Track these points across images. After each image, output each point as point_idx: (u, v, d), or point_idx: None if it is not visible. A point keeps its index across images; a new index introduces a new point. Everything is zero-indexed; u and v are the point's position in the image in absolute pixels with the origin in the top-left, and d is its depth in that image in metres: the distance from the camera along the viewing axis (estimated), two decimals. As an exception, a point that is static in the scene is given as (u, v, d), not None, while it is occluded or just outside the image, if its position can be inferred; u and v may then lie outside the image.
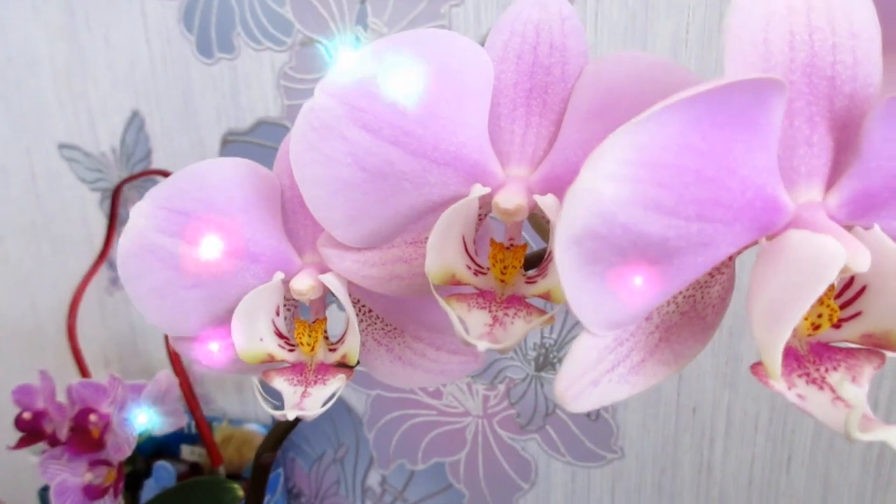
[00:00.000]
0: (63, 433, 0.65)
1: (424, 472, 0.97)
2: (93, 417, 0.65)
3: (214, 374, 1.00)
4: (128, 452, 0.64)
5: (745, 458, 0.84)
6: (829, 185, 0.23)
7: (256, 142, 0.89)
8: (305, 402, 0.33)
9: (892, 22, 0.23)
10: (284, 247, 0.35)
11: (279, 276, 0.34)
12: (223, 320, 0.36)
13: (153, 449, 0.94)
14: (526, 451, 0.91)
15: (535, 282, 0.30)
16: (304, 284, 0.33)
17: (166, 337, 0.77)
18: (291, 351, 0.35)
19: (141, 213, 0.34)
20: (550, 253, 0.30)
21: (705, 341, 0.26)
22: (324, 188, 0.31)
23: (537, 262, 0.32)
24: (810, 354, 0.23)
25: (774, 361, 0.21)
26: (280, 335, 0.35)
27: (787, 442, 0.82)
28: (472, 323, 0.28)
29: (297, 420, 0.45)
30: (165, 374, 0.69)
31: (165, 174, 0.88)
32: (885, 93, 0.21)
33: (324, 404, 0.33)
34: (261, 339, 0.34)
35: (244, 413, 1.02)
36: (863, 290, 0.22)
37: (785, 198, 0.22)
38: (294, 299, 0.36)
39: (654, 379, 0.25)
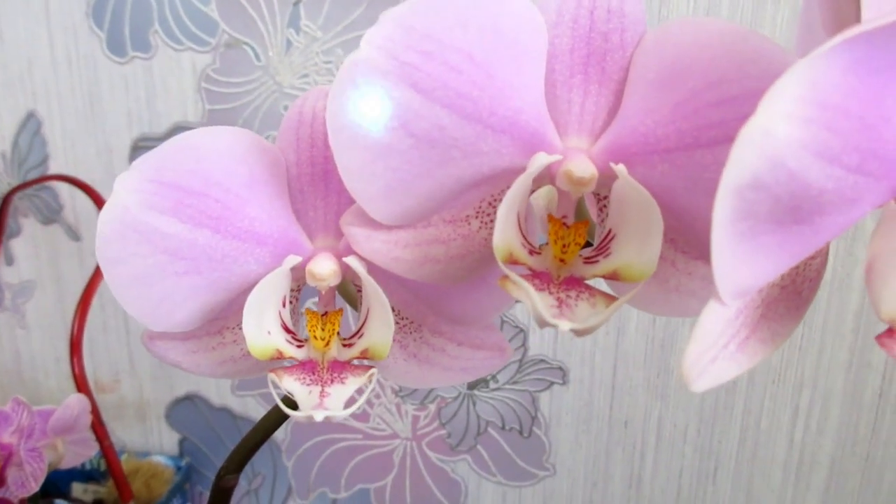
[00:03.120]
0: (-46, 468, 0.55)
1: (348, 501, 0.91)
2: (-9, 448, 0.55)
3: (114, 402, 0.90)
4: (34, 488, 0.55)
5: (674, 470, 0.84)
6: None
7: (173, 148, 0.82)
8: (326, 401, 0.28)
9: None
10: (294, 229, 0.30)
11: (293, 259, 0.29)
12: (216, 314, 0.31)
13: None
14: (456, 472, 0.88)
15: (595, 261, 0.27)
16: (326, 268, 0.29)
17: (73, 359, 0.68)
18: (300, 347, 0.30)
19: (126, 187, 0.28)
20: (611, 230, 0.27)
21: (799, 318, 0.24)
22: (362, 154, 0.27)
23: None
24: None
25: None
26: (287, 329, 0.30)
27: (714, 452, 0.83)
28: (538, 304, 0.25)
29: (263, 439, 0.40)
30: (77, 399, 0.61)
31: (67, 180, 0.79)
32: None
33: (346, 405, 0.28)
34: (269, 333, 0.29)
35: (147, 445, 0.93)
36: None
37: (920, 155, 0.21)
38: (298, 290, 0.32)
39: (755, 357, 0.23)
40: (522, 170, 0.27)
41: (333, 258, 0.30)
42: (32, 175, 0.85)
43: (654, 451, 0.84)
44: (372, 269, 0.29)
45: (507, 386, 0.84)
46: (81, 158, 0.84)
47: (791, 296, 0.24)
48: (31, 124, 0.84)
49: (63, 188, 0.85)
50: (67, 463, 0.63)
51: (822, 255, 0.24)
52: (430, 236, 0.29)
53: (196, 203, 0.29)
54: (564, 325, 0.24)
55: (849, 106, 0.18)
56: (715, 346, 0.22)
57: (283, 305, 0.30)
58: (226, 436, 0.91)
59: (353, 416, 0.88)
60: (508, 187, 0.28)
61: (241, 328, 0.29)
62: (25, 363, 0.93)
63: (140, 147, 0.82)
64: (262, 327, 0.29)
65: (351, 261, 0.29)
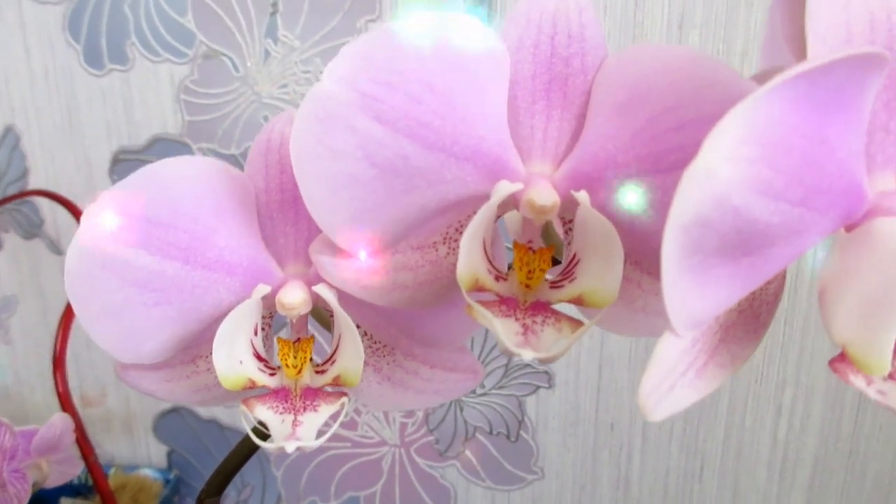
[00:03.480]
0: (-64, 491, 0.55)
1: (337, 508, 0.91)
2: (-26, 471, 0.55)
3: (100, 415, 0.90)
4: (18, 509, 0.55)
5: (661, 470, 0.85)
6: (901, 172, 0.22)
7: (153, 160, 0.81)
8: (299, 431, 0.28)
9: None
10: (264, 257, 0.31)
11: (263, 289, 0.29)
12: (188, 344, 0.31)
13: (27, 504, 0.83)
14: (445, 478, 0.88)
15: (561, 286, 0.27)
16: (295, 298, 0.29)
17: (57, 375, 0.68)
18: (272, 375, 0.30)
19: (94, 220, 0.29)
20: (576, 255, 0.27)
21: (758, 341, 0.25)
22: (327, 185, 0.27)
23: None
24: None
25: (882, 356, 0.19)
26: (259, 357, 0.30)
27: (700, 452, 0.84)
28: (502, 331, 0.26)
29: (246, 458, 0.40)
30: (61, 417, 0.61)
31: (47, 195, 0.79)
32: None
33: (319, 434, 0.29)
34: (240, 363, 0.29)
35: (135, 458, 0.93)
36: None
37: (866, 185, 0.21)
38: (270, 316, 0.32)
39: (714, 382, 0.24)
40: (487, 196, 0.27)
41: (303, 287, 0.30)
42: (12, 189, 0.85)
43: (640, 452, 0.85)
44: (343, 294, 0.30)
45: (494, 391, 0.84)
46: (61, 172, 0.84)
47: (749, 319, 0.24)
48: (9, 138, 0.84)
49: (44, 202, 0.85)
50: (53, 482, 0.63)
51: (778, 279, 0.24)
52: (398, 264, 0.29)
53: (164, 234, 0.29)
54: (528, 355, 0.24)
55: (791, 143, 0.19)
56: (672, 375, 0.22)
57: (255, 333, 0.30)
58: (214, 447, 0.91)
59: (342, 424, 0.88)
60: (474, 212, 0.28)
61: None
62: (10, 378, 0.92)
63: (120, 160, 0.82)
64: (234, 357, 0.29)
65: (320, 289, 0.29)
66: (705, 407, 0.82)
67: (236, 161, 0.81)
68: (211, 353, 0.32)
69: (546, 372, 0.82)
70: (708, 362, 0.23)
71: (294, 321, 0.31)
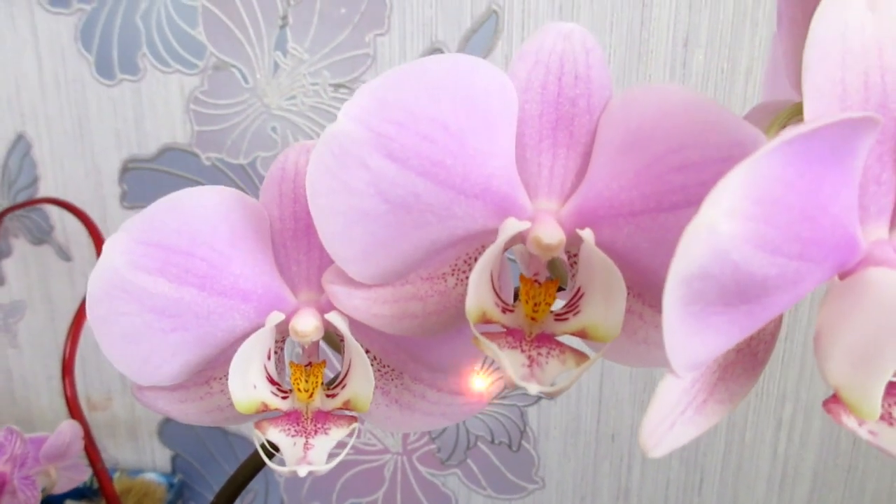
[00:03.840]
0: (-52, 498, 0.56)
1: (339, 515, 0.92)
2: (-15, 478, 0.56)
3: (106, 419, 0.91)
4: (29, 515, 0.56)
5: (661, 482, 0.86)
6: (893, 223, 0.23)
7: (162, 169, 0.83)
8: (310, 454, 0.29)
9: None
10: (277, 284, 0.32)
11: (277, 316, 0.31)
12: (203, 367, 0.32)
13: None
14: (446, 486, 0.89)
15: (566, 319, 0.28)
16: (308, 325, 0.30)
17: (66, 380, 0.69)
18: (285, 398, 0.31)
19: (115, 249, 0.30)
20: (580, 289, 0.28)
21: (756, 378, 0.26)
22: (341, 220, 0.28)
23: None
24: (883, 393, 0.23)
25: (874, 401, 0.20)
26: (272, 381, 0.31)
27: (699, 465, 0.85)
28: (509, 363, 0.27)
29: (256, 471, 0.41)
30: (69, 425, 0.62)
31: (57, 203, 0.80)
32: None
33: (329, 458, 0.30)
34: (254, 387, 0.30)
35: (140, 462, 0.94)
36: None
37: (860, 236, 0.22)
38: (283, 340, 0.33)
39: (713, 418, 0.25)
40: (495, 231, 0.28)
41: (315, 314, 0.31)
42: (23, 196, 0.86)
43: (640, 463, 0.85)
44: (353, 321, 0.31)
45: (496, 400, 0.85)
46: (71, 179, 0.85)
47: (747, 358, 0.25)
48: (20, 146, 0.85)
49: (53, 209, 0.86)
50: (60, 488, 0.64)
51: (775, 321, 0.25)
52: (407, 293, 0.30)
53: (182, 262, 0.30)
54: (533, 389, 0.26)
55: (788, 200, 0.20)
56: (672, 414, 0.23)
57: (269, 358, 0.31)
58: (217, 452, 0.93)
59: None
60: (483, 245, 0.29)
61: (227, 379, 0.30)
62: (17, 382, 0.94)
63: (129, 168, 0.84)
64: (248, 382, 0.30)
65: (332, 317, 0.30)
66: (705, 420, 0.82)
67: (244, 170, 0.82)
68: (224, 376, 0.33)
69: (548, 383, 0.83)
70: (707, 400, 0.24)
71: (306, 347, 0.32)
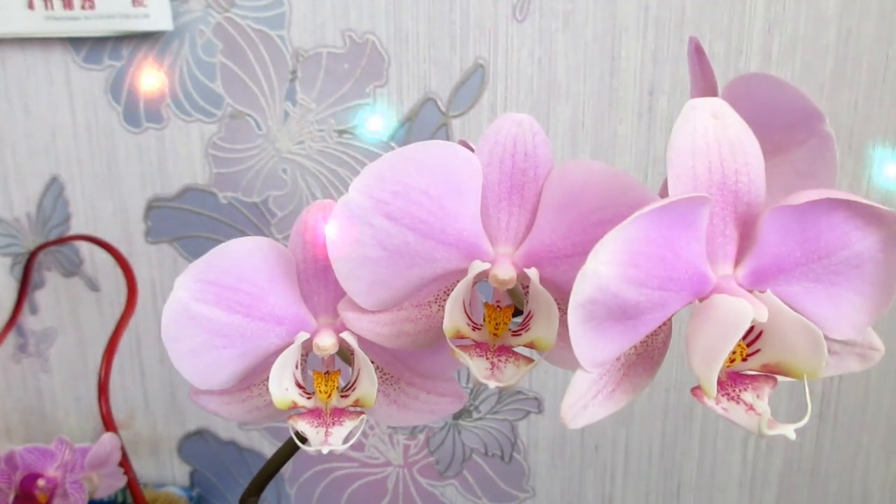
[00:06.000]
0: (9, 500, 0.67)
1: (346, 524, 1.03)
2: (41, 482, 0.67)
3: (128, 437, 1.02)
4: (79, 515, 0.67)
5: (642, 490, 0.96)
6: (737, 263, 0.34)
7: (183, 207, 0.95)
8: (330, 439, 0.40)
9: (764, 135, 0.34)
10: (303, 311, 0.43)
11: (304, 335, 0.42)
12: (247, 375, 0.44)
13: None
14: (445, 496, 1.00)
15: (519, 334, 0.39)
16: (327, 342, 0.41)
17: (101, 399, 0.81)
18: (309, 398, 0.42)
19: (182, 286, 0.41)
20: (531, 312, 0.39)
21: (653, 375, 0.37)
22: (352, 262, 0.39)
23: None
24: (728, 380, 0.34)
25: (712, 385, 0.31)
26: (299, 385, 0.42)
27: (677, 473, 0.95)
28: (475, 368, 0.38)
29: (282, 462, 0.52)
30: (109, 437, 0.73)
31: (88, 239, 0.92)
32: (768, 202, 0.33)
33: (345, 441, 0.41)
34: (286, 389, 0.41)
35: (160, 477, 1.04)
36: (760, 334, 0.34)
37: (710, 272, 0.33)
38: (306, 355, 0.44)
39: (620, 403, 0.36)
40: (465, 270, 0.40)
41: (333, 334, 0.42)
42: (56, 233, 0.98)
43: (622, 472, 0.96)
44: (361, 339, 0.42)
45: (489, 416, 0.96)
46: (100, 217, 0.97)
47: (645, 360, 0.36)
48: (54, 188, 0.96)
49: (83, 244, 0.98)
50: (101, 494, 0.75)
51: (664, 331, 0.36)
52: (402, 317, 0.41)
53: (231, 295, 0.42)
54: (492, 384, 0.37)
55: (647, 251, 0.31)
56: (585, 398, 0.34)
57: (296, 368, 0.42)
58: (233, 467, 1.03)
59: (351, 447, 1.00)
60: (457, 281, 0.41)
61: (264, 385, 0.42)
62: (48, 403, 1.05)
63: (153, 207, 0.95)
64: (282, 386, 0.41)
65: (346, 336, 0.41)
66: (680, 431, 0.93)
67: (257, 208, 0.94)
68: (261, 382, 0.45)
69: (536, 398, 0.94)
70: (615, 389, 0.35)
71: (325, 359, 0.43)
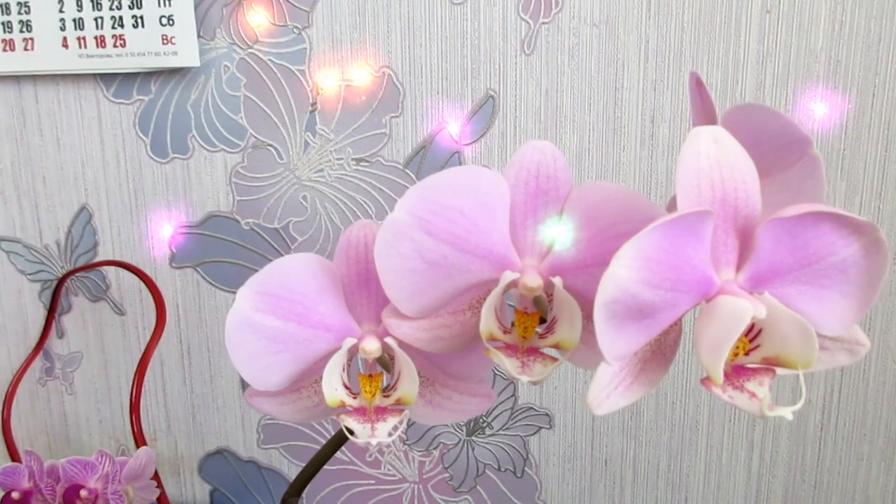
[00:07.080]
0: (53, 510, 0.72)
1: (363, 540, 1.07)
2: (83, 493, 0.72)
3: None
4: (119, 523, 0.72)
5: (650, 502, 1.01)
6: (738, 268, 0.40)
7: (207, 233, 1.00)
8: (376, 433, 0.45)
9: (759, 157, 0.40)
10: (348, 319, 0.48)
11: (350, 341, 0.47)
12: (298, 378, 0.49)
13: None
14: (459, 511, 1.04)
15: (546, 337, 0.45)
16: (372, 346, 0.47)
17: (133, 417, 0.85)
18: (354, 398, 0.48)
19: (243, 297, 0.46)
20: (555, 317, 0.45)
21: (666, 370, 0.42)
22: (396, 274, 0.45)
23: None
24: (733, 373, 0.39)
25: (718, 374, 0.37)
26: (346, 386, 0.48)
27: (684, 485, 1.00)
28: (508, 365, 0.43)
29: (320, 464, 0.57)
30: (145, 451, 0.78)
31: (119, 265, 0.97)
32: (764, 216, 0.39)
33: (389, 434, 0.46)
34: (335, 390, 0.47)
35: (181, 496, 1.09)
36: (760, 331, 0.39)
37: (714, 277, 0.39)
38: (351, 359, 0.49)
39: (638, 394, 0.41)
40: (496, 280, 0.45)
41: (376, 339, 0.47)
42: (83, 260, 1.03)
43: (631, 485, 1.01)
44: (402, 343, 0.47)
45: (501, 432, 1.01)
46: (126, 244, 1.02)
47: (659, 356, 0.42)
48: (82, 216, 1.02)
49: (110, 270, 1.03)
50: (135, 506, 0.79)
51: (675, 330, 0.42)
52: (439, 323, 0.47)
53: (286, 305, 0.47)
54: (524, 379, 0.42)
55: (660, 257, 0.36)
56: (608, 388, 0.40)
57: (343, 370, 0.48)
58: (252, 485, 1.08)
59: (367, 463, 1.04)
60: (489, 291, 0.46)
61: (313, 387, 0.47)
62: (72, 424, 1.09)
63: (178, 234, 1.01)
64: (332, 386, 0.46)
65: (388, 341, 0.47)
66: (686, 445, 0.98)
67: (278, 234, 0.99)
68: (310, 385, 0.50)
69: (547, 414, 0.99)
70: (633, 382, 0.41)
71: (369, 362, 0.48)
